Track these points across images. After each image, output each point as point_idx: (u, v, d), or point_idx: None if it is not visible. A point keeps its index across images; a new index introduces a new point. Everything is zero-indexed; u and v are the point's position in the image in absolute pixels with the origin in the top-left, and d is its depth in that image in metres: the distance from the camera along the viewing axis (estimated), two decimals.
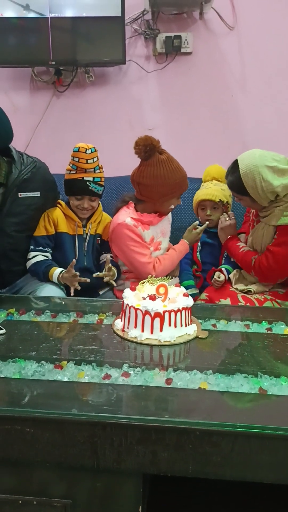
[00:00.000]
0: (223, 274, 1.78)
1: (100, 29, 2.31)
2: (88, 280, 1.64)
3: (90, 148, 1.71)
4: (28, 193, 1.68)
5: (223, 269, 1.81)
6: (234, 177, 1.64)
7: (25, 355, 1.11)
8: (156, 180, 1.66)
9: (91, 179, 1.71)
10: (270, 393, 0.96)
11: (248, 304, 1.62)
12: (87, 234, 1.80)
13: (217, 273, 1.79)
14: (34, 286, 1.71)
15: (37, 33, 2.32)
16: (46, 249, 1.76)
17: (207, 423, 0.87)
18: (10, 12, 2.30)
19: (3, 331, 1.23)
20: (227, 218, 1.85)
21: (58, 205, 1.81)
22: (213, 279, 1.77)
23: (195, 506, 1.26)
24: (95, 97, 2.51)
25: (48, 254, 1.76)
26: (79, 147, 1.71)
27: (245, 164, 1.60)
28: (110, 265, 1.71)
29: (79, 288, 1.62)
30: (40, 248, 1.74)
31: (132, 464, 0.89)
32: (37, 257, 1.74)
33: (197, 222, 1.92)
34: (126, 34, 2.34)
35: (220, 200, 1.88)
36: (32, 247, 1.75)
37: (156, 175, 1.65)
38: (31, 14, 2.30)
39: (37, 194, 1.70)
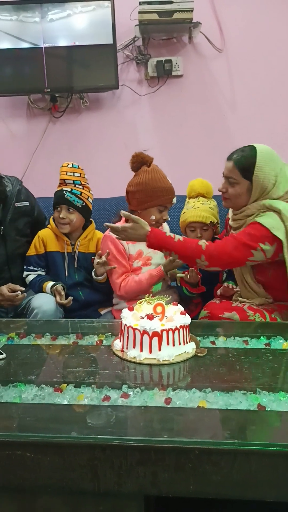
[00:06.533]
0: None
1: (93, 56, 2.39)
2: (69, 303, 1.80)
3: (73, 164, 1.88)
4: (21, 203, 1.92)
5: (230, 285, 1.78)
6: (247, 153, 1.58)
7: (25, 379, 1.11)
8: (136, 187, 1.75)
9: (69, 189, 1.84)
10: (268, 409, 0.97)
11: (258, 314, 1.59)
12: (75, 251, 1.90)
13: (225, 283, 1.77)
14: (31, 295, 1.88)
15: (32, 63, 2.40)
16: (36, 268, 1.90)
17: (206, 441, 0.87)
18: (5, 43, 2.39)
19: (3, 355, 1.24)
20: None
21: (48, 225, 1.94)
22: (223, 288, 1.75)
23: None
24: (90, 121, 2.57)
25: (40, 272, 1.91)
26: (63, 164, 1.89)
27: (264, 149, 1.59)
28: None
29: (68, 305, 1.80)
30: (31, 267, 1.91)
31: (133, 486, 0.89)
32: (28, 276, 1.90)
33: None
34: (118, 60, 2.42)
35: (210, 221, 1.85)
36: (24, 266, 1.92)
37: (137, 182, 1.75)
38: (26, 45, 2.39)
39: (27, 203, 1.95)
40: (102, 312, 1.93)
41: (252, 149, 1.59)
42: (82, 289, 1.90)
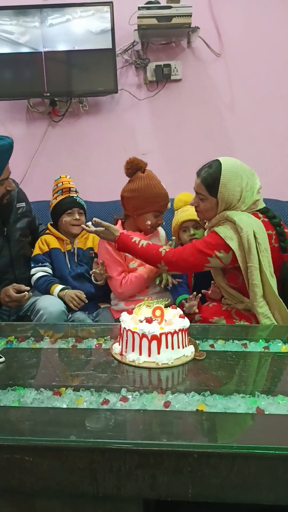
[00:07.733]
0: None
1: (92, 61, 2.40)
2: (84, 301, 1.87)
3: (67, 176, 2.06)
4: (20, 203, 1.98)
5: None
6: (212, 170, 1.61)
7: (24, 383, 1.12)
8: (132, 193, 1.80)
9: (75, 195, 2.03)
10: (267, 413, 0.97)
11: (243, 320, 1.63)
12: (74, 248, 2.02)
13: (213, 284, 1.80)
14: (36, 297, 1.90)
15: (32, 67, 2.41)
16: (45, 263, 1.98)
17: (205, 445, 0.87)
18: (5, 48, 2.40)
19: (3, 359, 1.24)
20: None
21: (47, 231, 2.05)
22: (211, 289, 1.78)
23: None
24: (89, 125, 2.58)
25: (47, 268, 1.97)
26: (59, 176, 2.05)
27: (230, 165, 1.60)
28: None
29: (77, 308, 1.86)
30: (39, 264, 1.97)
31: (132, 490, 0.89)
32: (37, 273, 1.95)
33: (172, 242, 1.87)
34: (118, 65, 2.43)
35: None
36: (32, 265, 1.98)
37: (133, 188, 1.80)
38: (26, 49, 2.40)
39: (24, 204, 2.00)
40: (102, 306, 1.99)
41: (218, 165, 1.62)
42: (83, 282, 1.97)
